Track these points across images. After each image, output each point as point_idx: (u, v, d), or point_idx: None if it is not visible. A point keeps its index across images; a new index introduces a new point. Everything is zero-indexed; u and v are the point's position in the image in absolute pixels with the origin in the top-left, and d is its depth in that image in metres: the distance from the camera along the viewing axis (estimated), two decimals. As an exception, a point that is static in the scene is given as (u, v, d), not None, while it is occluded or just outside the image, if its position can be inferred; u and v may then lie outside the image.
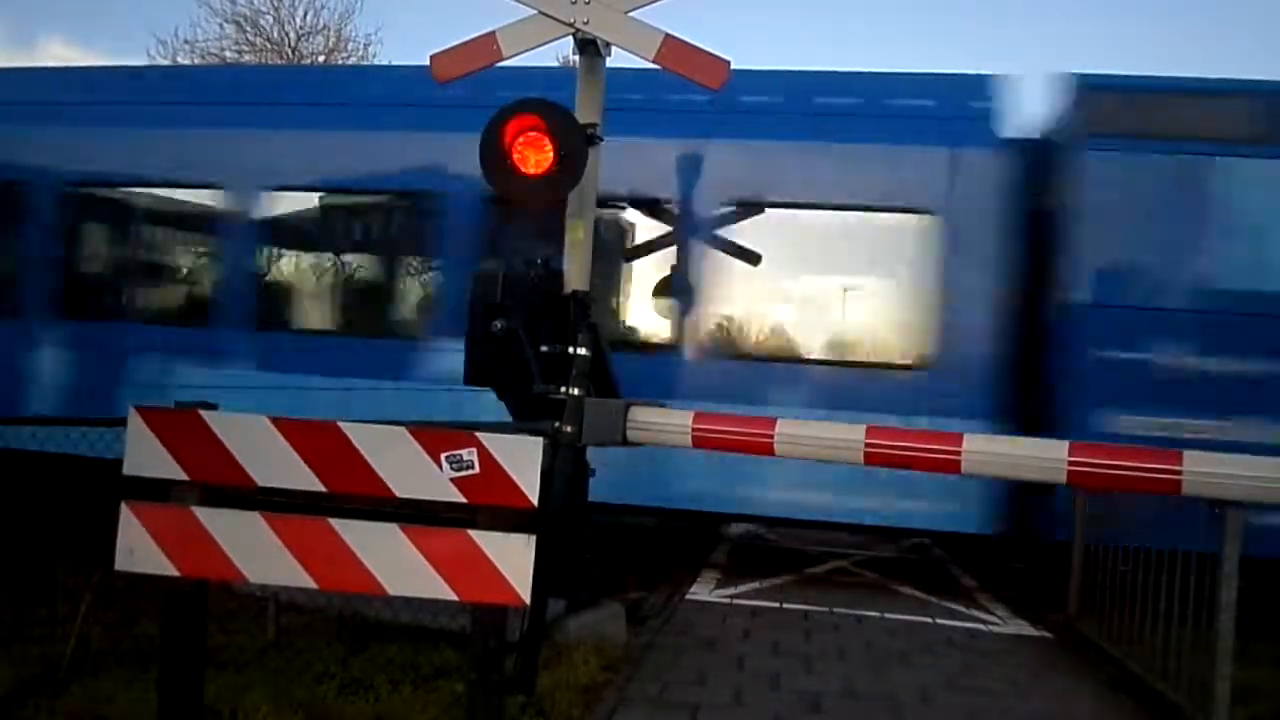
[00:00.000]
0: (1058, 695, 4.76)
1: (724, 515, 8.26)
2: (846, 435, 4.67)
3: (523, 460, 3.10)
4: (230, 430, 3.16)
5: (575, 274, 5.27)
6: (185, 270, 9.10)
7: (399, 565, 3.06)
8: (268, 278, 8.68)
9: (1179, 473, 4.17)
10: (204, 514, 3.13)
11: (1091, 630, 5.72)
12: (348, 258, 8.86)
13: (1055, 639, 5.95)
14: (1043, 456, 4.46)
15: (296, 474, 3.13)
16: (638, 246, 8.04)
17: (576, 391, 4.71)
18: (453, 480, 3.08)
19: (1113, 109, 7.02)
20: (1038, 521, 7.10)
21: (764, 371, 7.41)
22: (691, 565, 7.67)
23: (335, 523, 3.10)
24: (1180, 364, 6.72)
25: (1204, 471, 4.18)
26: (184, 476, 3.15)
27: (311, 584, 3.12)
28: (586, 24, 5.03)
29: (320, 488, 3.15)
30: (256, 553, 3.11)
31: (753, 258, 7.51)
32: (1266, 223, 6.78)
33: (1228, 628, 4.10)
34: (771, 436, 4.69)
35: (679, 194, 7.51)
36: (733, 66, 4.90)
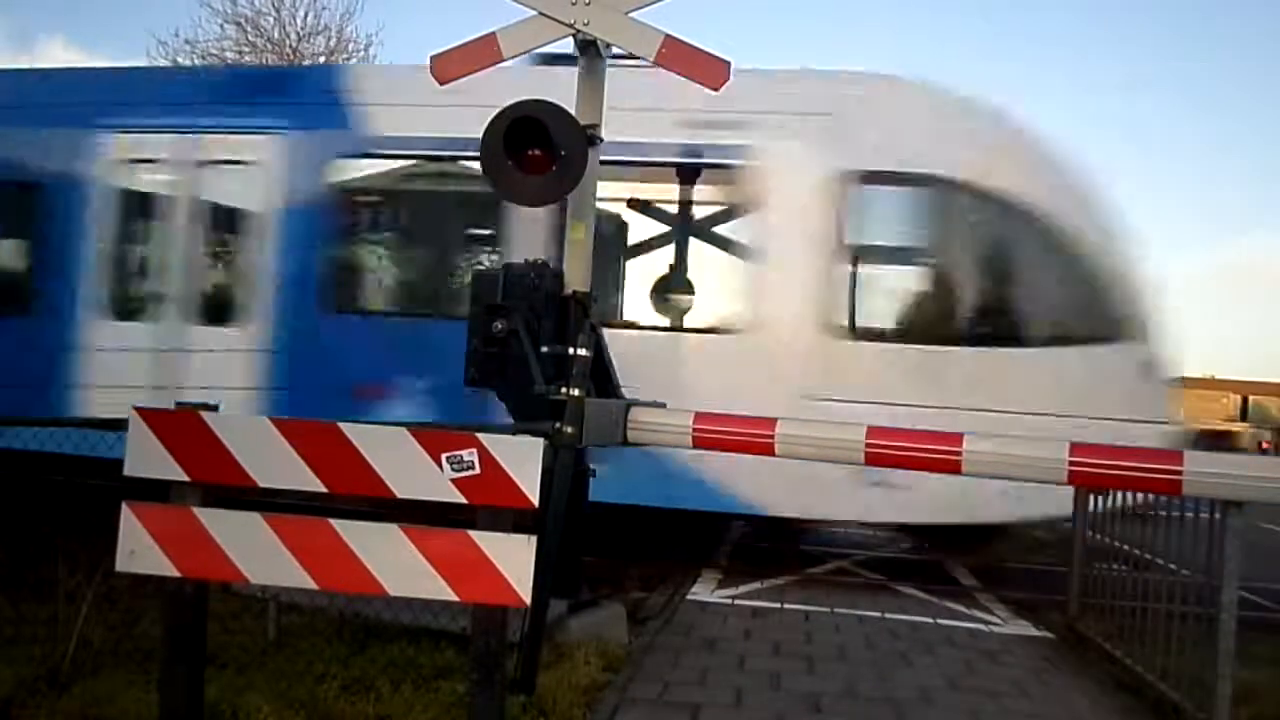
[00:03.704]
0: (1059, 695, 4.76)
1: None
2: (847, 435, 4.67)
3: (523, 461, 3.10)
4: (231, 431, 3.17)
5: (575, 274, 5.28)
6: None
7: (399, 566, 3.06)
8: None
9: (1180, 473, 4.18)
10: (205, 515, 3.13)
11: (1092, 630, 5.72)
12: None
13: (1056, 638, 5.95)
14: (1044, 456, 4.46)
15: (297, 474, 3.13)
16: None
17: (577, 392, 4.71)
18: (453, 481, 3.08)
19: None
20: None
21: None
22: (693, 565, 7.66)
23: (336, 523, 3.10)
24: None
25: (1205, 471, 4.18)
26: (185, 477, 3.15)
27: (312, 584, 3.12)
28: (587, 25, 5.03)
29: (321, 488, 3.15)
30: (257, 553, 3.11)
31: None
32: None
33: (1229, 627, 4.10)
34: (772, 437, 4.69)
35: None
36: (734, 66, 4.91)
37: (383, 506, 3.18)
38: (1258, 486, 4.12)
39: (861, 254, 6.61)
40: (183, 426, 3.18)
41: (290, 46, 27.80)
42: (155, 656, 3.49)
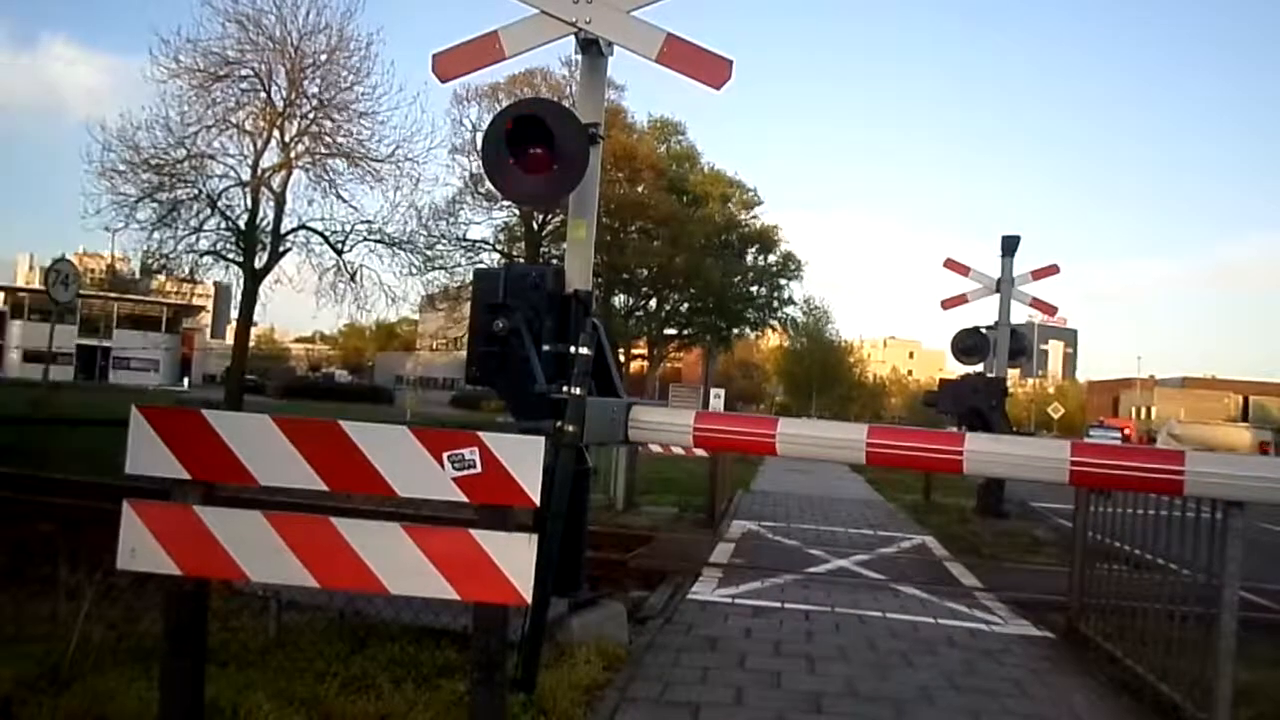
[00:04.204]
0: (1059, 694, 4.76)
1: None
2: (848, 435, 4.67)
3: (525, 460, 3.09)
4: (232, 429, 3.16)
5: (577, 273, 5.28)
6: None
7: (400, 564, 3.06)
8: None
9: (1181, 473, 4.18)
10: (206, 513, 3.13)
11: (1093, 630, 5.72)
12: None
13: (1057, 638, 5.95)
14: (1045, 456, 4.46)
15: (298, 473, 3.13)
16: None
17: (578, 391, 4.71)
18: (454, 480, 3.08)
19: None
20: None
21: None
22: (693, 565, 7.67)
23: (337, 521, 3.10)
24: None
25: (1207, 471, 4.18)
26: (186, 476, 3.15)
27: (313, 583, 3.12)
28: (589, 23, 5.03)
29: (322, 487, 3.14)
30: (258, 552, 3.10)
31: None
32: None
33: (1229, 627, 4.10)
34: (773, 436, 4.69)
35: None
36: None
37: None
38: (1259, 486, 4.12)
39: None
40: (184, 425, 3.18)
41: (292, 44, 27.85)
42: (156, 654, 3.48)
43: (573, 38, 5.16)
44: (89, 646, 4.10)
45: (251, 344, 37.95)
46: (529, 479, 3.08)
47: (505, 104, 5.19)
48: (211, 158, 28.04)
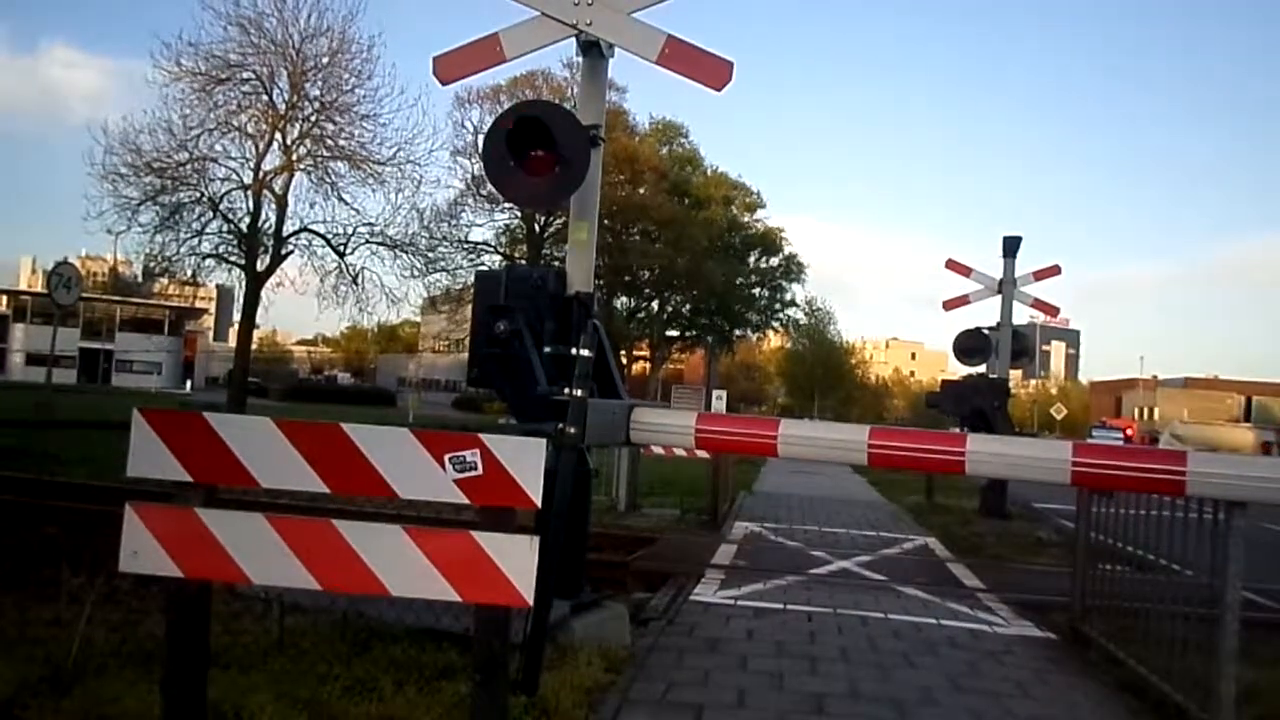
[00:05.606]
0: (1062, 695, 4.75)
1: None
2: (849, 436, 4.67)
3: (526, 461, 3.09)
4: (234, 432, 3.17)
5: (578, 275, 5.28)
6: None
7: (402, 566, 3.06)
8: None
9: (1183, 473, 4.17)
10: (207, 515, 3.13)
11: (1095, 630, 5.71)
12: None
13: (1059, 639, 5.95)
14: (1046, 457, 4.46)
15: (300, 475, 3.14)
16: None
17: (580, 393, 4.71)
18: (456, 481, 3.08)
19: None
20: None
21: None
22: (695, 566, 7.66)
23: (338, 524, 3.10)
24: None
25: (1208, 472, 4.18)
26: (188, 478, 3.16)
27: (315, 585, 3.12)
28: (589, 25, 5.04)
29: (324, 489, 3.15)
30: (260, 554, 3.11)
31: None
32: None
33: (1232, 627, 4.09)
34: (774, 437, 4.69)
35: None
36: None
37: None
38: (1261, 487, 4.12)
39: None
40: (186, 427, 3.18)
41: (293, 48, 27.91)
42: (158, 657, 3.49)
43: (574, 40, 5.17)
44: (91, 649, 4.11)
45: (254, 347, 38.02)
46: (530, 480, 3.08)
47: (507, 106, 5.18)
48: (213, 160, 28.16)
